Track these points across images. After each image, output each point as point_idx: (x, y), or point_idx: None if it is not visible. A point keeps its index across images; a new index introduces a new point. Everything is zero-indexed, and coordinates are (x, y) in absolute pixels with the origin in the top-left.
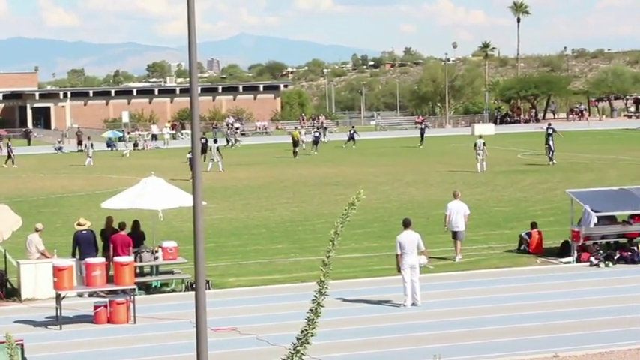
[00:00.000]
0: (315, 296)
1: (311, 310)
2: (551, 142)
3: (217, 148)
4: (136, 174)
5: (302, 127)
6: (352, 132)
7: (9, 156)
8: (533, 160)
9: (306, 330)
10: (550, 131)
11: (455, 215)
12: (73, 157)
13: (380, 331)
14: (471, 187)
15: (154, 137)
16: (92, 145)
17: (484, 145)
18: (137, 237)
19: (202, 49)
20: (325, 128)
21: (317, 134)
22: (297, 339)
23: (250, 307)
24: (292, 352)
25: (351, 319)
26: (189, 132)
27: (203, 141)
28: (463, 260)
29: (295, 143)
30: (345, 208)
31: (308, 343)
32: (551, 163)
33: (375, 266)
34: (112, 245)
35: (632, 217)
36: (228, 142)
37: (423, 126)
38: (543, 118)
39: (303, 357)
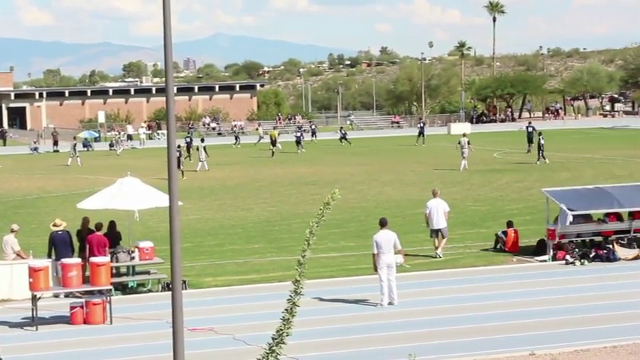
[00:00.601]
0: (290, 296)
1: (286, 309)
2: (542, 141)
3: (204, 148)
4: (112, 174)
5: (275, 127)
6: (343, 132)
7: None
8: (509, 159)
9: (281, 330)
10: (530, 129)
11: (435, 213)
12: (49, 158)
13: (357, 331)
14: (448, 186)
15: (130, 137)
16: (75, 145)
17: (468, 143)
18: (113, 237)
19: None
20: (314, 128)
21: (298, 134)
22: (273, 339)
23: (227, 307)
24: (268, 351)
25: (327, 318)
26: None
27: (188, 140)
28: (439, 260)
29: (273, 143)
30: (320, 208)
31: (283, 342)
32: (539, 162)
33: (352, 265)
34: (88, 246)
35: (607, 215)
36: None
37: (421, 124)
38: (519, 117)
39: (278, 357)
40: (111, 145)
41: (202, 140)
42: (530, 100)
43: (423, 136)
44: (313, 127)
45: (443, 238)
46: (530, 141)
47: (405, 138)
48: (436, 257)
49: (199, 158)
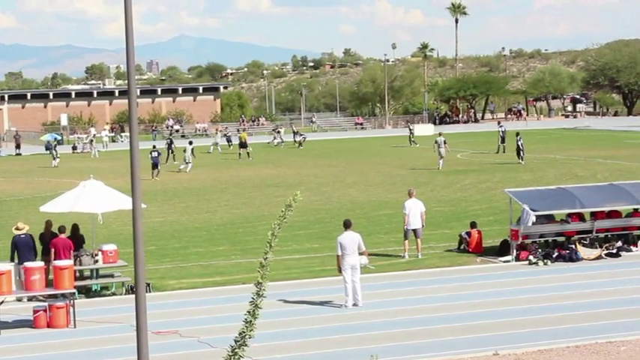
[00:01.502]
0: (253, 298)
1: (249, 312)
2: (520, 141)
3: (192, 150)
4: (75, 177)
5: (244, 129)
6: (299, 134)
7: None
8: (472, 159)
9: (244, 332)
10: (503, 129)
11: (412, 214)
12: (11, 161)
13: (321, 332)
14: (412, 187)
15: (91, 141)
16: (55, 146)
17: (445, 142)
18: (76, 240)
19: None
20: (279, 131)
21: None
22: (236, 341)
23: (191, 310)
24: (230, 354)
25: (292, 320)
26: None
27: (168, 141)
28: (404, 260)
29: (243, 145)
30: (282, 210)
31: (246, 344)
32: (522, 161)
33: (317, 267)
34: (53, 249)
35: (569, 215)
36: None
37: (411, 127)
38: (482, 118)
39: (241, 359)
40: (74, 148)
41: (190, 142)
42: (493, 101)
43: (412, 135)
44: (298, 134)
45: (417, 238)
46: (502, 141)
47: (368, 139)
48: (405, 258)
49: (185, 159)
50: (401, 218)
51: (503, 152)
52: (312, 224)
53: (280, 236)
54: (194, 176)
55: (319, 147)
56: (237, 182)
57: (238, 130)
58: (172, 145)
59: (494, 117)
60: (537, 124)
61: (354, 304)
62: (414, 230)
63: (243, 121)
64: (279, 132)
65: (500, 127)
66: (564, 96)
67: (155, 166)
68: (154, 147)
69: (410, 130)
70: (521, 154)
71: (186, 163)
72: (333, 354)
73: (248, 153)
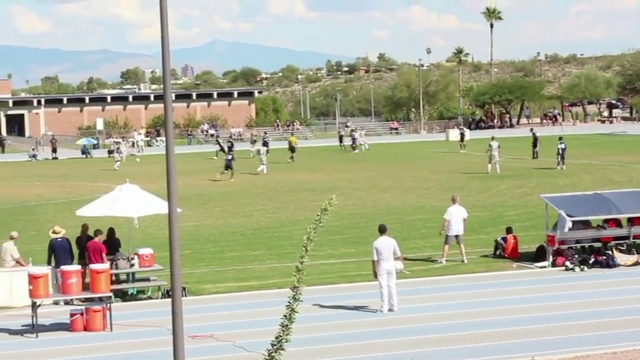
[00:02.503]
0: (289, 302)
1: (285, 316)
2: (560, 145)
3: (267, 151)
4: (111, 181)
5: (292, 133)
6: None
7: None
8: (508, 164)
9: (280, 336)
10: (538, 135)
11: (454, 219)
12: (48, 165)
13: (357, 337)
14: (447, 192)
15: (134, 144)
16: (118, 148)
17: (499, 147)
18: (113, 244)
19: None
20: (353, 134)
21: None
22: (272, 345)
23: (227, 314)
24: (267, 358)
25: (327, 325)
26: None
27: (229, 144)
28: (439, 266)
29: (292, 149)
30: (318, 214)
31: (282, 349)
32: (560, 167)
33: (352, 272)
34: (86, 252)
35: (606, 221)
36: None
37: (462, 130)
38: (517, 123)
39: None
40: (110, 152)
41: (265, 144)
42: (529, 106)
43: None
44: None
45: (459, 243)
46: (534, 145)
47: (403, 144)
48: (441, 263)
49: (262, 161)
50: (438, 223)
51: (536, 157)
52: (347, 229)
53: (316, 241)
54: (229, 181)
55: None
56: (273, 187)
57: (292, 134)
58: (233, 149)
59: (530, 122)
60: (573, 130)
61: (390, 310)
62: (456, 236)
63: (277, 126)
64: (353, 134)
65: (533, 132)
66: (600, 101)
67: (228, 167)
68: (230, 149)
69: (462, 134)
70: (563, 159)
71: (262, 164)
72: (368, 359)
73: (292, 157)
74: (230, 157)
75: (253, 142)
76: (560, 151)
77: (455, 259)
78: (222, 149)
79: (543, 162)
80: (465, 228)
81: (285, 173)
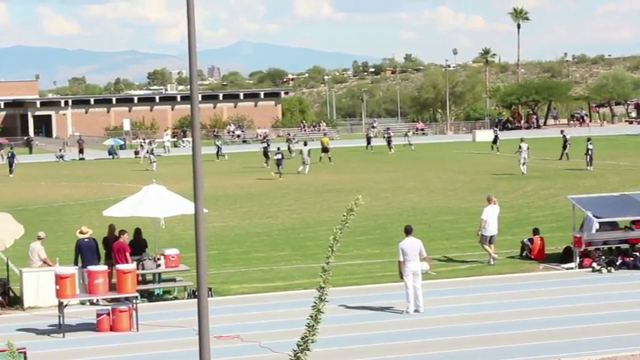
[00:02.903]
0: (315, 303)
1: (311, 316)
2: (589, 146)
3: (309, 151)
4: (137, 182)
5: (325, 134)
6: (388, 136)
7: (10, 165)
8: (534, 166)
9: (306, 336)
10: (568, 137)
11: (490, 220)
12: (75, 165)
13: (382, 338)
14: (473, 194)
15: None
16: (152, 150)
17: (528, 148)
18: (139, 245)
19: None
20: (407, 135)
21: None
22: (298, 345)
23: (253, 315)
24: (293, 358)
25: (353, 325)
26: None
27: (265, 145)
28: (465, 267)
29: (325, 149)
30: (344, 215)
31: (308, 349)
32: (589, 167)
33: (378, 273)
34: (113, 251)
35: (633, 222)
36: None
37: (496, 132)
38: (544, 124)
39: None
40: (136, 153)
41: (305, 143)
42: (556, 106)
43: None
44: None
45: (491, 244)
46: (564, 147)
47: (429, 145)
48: (491, 263)
49: (303, 161)
50: (464, 224)
51: (567, 159)
52: (372, 230)
53: (341, 241)
54: (255, 181)
55: (380, 152)
56: (298, 187)
57: (325, 134)
58: (268, 150)
59: (557, 123)
60: (600, 131)
61: (416, 310)
62: (491, 236)
63: (304, 127)
64: (407, 135)
65: (564, 134)
66: (628, 102)
67: (278, 164)
68: (278, 148)
69: (496, 136)
70: (591, 160)
71: (304, 164)
72: None
73: (329, 157)
74: (280, 156)
75: (288, 140)
76: (589, 152)
77: (482, 260)
78: (218, 152)
79: (571, 163)
80: (498, 229)
81: (310, 174)
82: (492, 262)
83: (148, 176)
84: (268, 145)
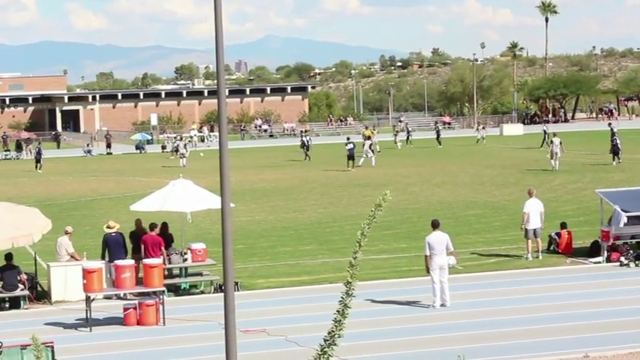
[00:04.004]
0: (342, 297)
1: (338, 311)
2: (618, 141)
3: (370, 145)
4: (164, 176)
5: (366, 127)
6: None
7: (37, 160)
8: (562, 160)
9: (333, 331)
10: (615, 129)
11: (532, 213)
12: (102, 160)
13: (409, 332)
14: (500, 188)
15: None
16: (185, 145)
17: (561, 143)
18: (166, 239)
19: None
20: (483, 127)
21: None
22: (325, 340)
23: (279, 309)
24: (320, 353)
25: (380, 320)
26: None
27: (306, 140)
28: (492, 261)
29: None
30: (372, 209)
31: (335, 344)
32: (615, 162)
33: (404, 267)
34: (143, 246)
35: None
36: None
37: (546, 127)
38: (572, 117)
39: (330, 358)
40: (163, 148)
41: (369, 137)
42: (594, 100)
43: (546, 138)
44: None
45: (536, 237)
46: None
47: (456, 139)
48: (528, 259)
49: (365, 154)
50: (490, 219)
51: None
52: (399, 224)
53: (368, 236)
54: (281, 176)
55: (407, 147)
56: (324, 182)
57: (367, 127)
58: (309, 143)
59: (587, 116)
60: (629, 124)
61: (442, 305)
62: (534, 230)
63: (331, 121)
64: (483, 128)
65: (611, 126)
66: None
67: (351, 157)
68: (348, 139)
69: (545, 130)
70: (619, 154)
71: (366, 157)
72: (420, 354)
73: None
74: (352, 146)
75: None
76: (618, 145)
77: (518, 253)
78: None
79: (599, 158)
80: (543, 222)
81: (336, 168)
82: (529, 258)
83: (176, 171)
84: (309, 139)
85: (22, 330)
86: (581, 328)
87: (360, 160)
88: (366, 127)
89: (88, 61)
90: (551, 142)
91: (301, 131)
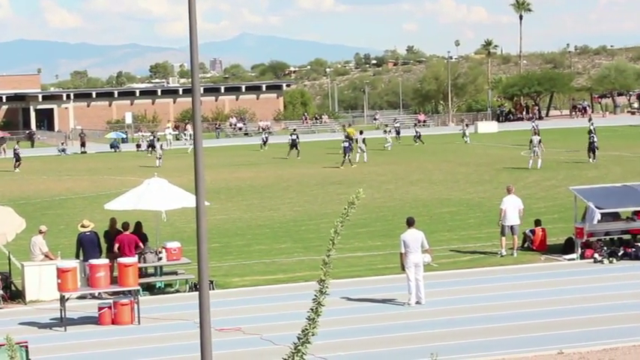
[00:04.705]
0: (316, 295)
1: (312, 309)
2: (595, 139)
3: (363, 140)
4: (139, 175)
5: (350, 124)
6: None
7: (17, 159)
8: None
9: (306, 329)
10: (592, 127)
11: (509, 210)
12: (77, 159)
13: (384, 330)
14: (475, 185)
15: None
16: (162, 145)
17: (540, 142)
18: (140, 238)
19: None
20: (467, 124)
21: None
22: (299, 338)
23: (254, 307)
24: (293, 351)
25: (355, 318)
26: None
27: (295, 137)
28: (467, 258)
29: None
30: (345, 207)
31: (309, 342)
32: (591, 160)
33: (379, 265)
34: (118, 245)
35: (635, 213)
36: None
37: (535, 125)
38: (546, 115)
39: (304, 356)
40: (138, 146)
41: (361, 132)
42: (573, 97)
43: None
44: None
45: (513, 234)
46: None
47: (431, 137)
48: (502, 255)
49: (360, 149)
50: (465, 216)
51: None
52: (374, 222)
53: (343, 234)
54: (256, 174)
55: (381, 144)
56: (300, 180)
57: (350, 125)
58: (297, 141)
59: (561, 114)
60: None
61: (417, 302)
62: (511, 227)
63: (306, 119)
64: (467, 125)
65: (591, 123)
66: (630, 93)
67: (346, 154)
68: (346, 136)
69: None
70: (595, 152)
71: (362, 151)
72: (395, 352)
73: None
74: (347, 144)
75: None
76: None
77: (493, 250)
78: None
79: (573, 155)
80: (522, 219)
81: (312, 166)
82: (504, 254)
83: (150, 170)
84: (297, 137)
85: None
86: (556, 325)
87: (357, 157)
88: (349, 125)
89: (63, 60)
90: (531, 140)
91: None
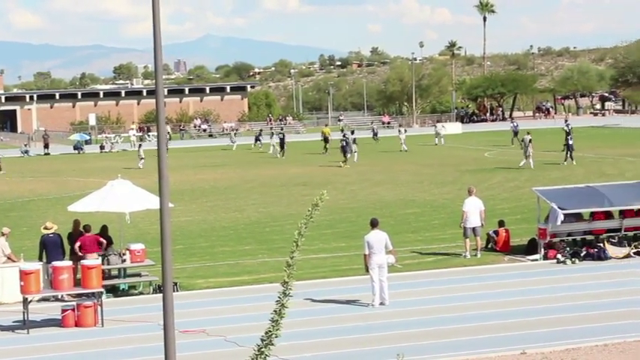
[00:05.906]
0: (279, 297)
1: (275, 311)
2: (570, 140)
3: (354, 140)
4: (102, 177)
5: (326, 124)
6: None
7: None
8: (500, 158)
9: (270, 331)
10: (568, 128)
11: (471, 212)
12: (40, 160)
13: (348, 331)
14: (439, 186)
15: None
16: (140, 145)
17: (530, 141)
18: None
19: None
20: (443, 126)
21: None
22: (262, 340)
23: (218, 309)
24: (257, 353)
25: (319, 319)
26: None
27: (281, 136)
28: (431, 259)
29: (326, 139)
30: (309, 209)
31: (272, 344)
32: (566, 162)
33: (344, 266)
34: (79, 244)
35: (592, 214)
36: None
37: (515, 124)
38: (510, 116)
39: (267, 358)
40: (102, 148)
41: (352, 132)
42: (549, 100)
43: (517, 135)
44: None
45: (476, 236)
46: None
47: (396, 138)
48: (466, 257)
49: (351, 150)
50: (429, 217)
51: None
52: (338, 223)
53: (307, 235)
54: (221, 175)
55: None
56: (264, 181)
57: (326, 125)
58: (284, 140)
59: (524, 115)
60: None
61: (381, 303)
62: (473, 229)
63: (270, 121)
64: (443, 126)
65: (567, 124)
66: (593, 94)
67: (344, 153)
68: (344, 136)
69: (515, 125)
70: (571, 153)
71: (353, 152)
72: (359, 353)
73: (326, 148)
74: (344, 143)
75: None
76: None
77: (457, 251)
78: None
79: (537, 155)
80: (483, 220)
81: (276, 168)
82: (467, 256)
83: (114, 171)
84: (284, 136)
85: None
86: (519, 325)
87: (355, 156)
88: (326, 125)
89: (26, 61)
90: (522, 140)
91: (279, 129)
